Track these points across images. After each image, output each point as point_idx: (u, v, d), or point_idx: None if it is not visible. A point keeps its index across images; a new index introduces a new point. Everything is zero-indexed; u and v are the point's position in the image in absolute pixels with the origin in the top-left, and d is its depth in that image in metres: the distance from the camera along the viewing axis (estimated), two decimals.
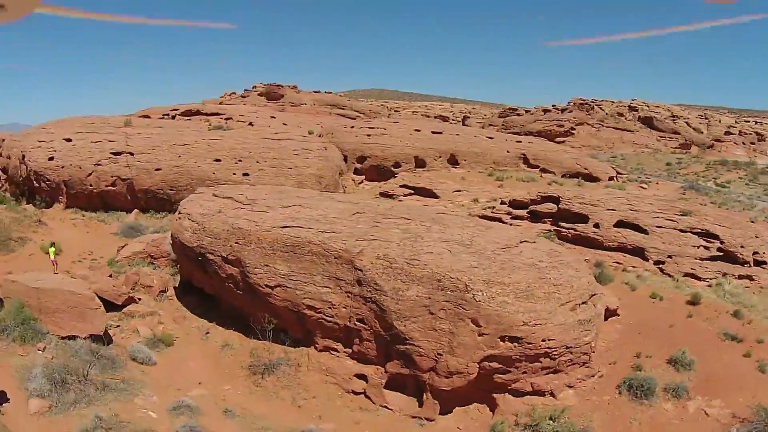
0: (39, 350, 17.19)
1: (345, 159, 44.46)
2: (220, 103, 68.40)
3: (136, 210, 34.14)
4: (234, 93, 79.25)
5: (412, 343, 17.05)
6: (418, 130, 48.20)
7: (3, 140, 42.63)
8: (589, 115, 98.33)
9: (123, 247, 27.91)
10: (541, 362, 16.86)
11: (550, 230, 29.12)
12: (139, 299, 23.92)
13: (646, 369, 17.99)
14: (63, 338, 18.08)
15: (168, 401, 16.95)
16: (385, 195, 40.09)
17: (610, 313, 20.57)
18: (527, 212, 31.05)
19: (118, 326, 21.63)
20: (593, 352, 18.03)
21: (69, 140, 36.66)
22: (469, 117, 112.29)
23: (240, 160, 36.45)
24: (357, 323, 18.46)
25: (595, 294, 18.71)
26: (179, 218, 24.12)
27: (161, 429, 15.34)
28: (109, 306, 22.22)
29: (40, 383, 15.07)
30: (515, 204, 32.05)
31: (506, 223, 30.15)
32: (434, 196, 39.61)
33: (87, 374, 16.17)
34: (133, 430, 14.69)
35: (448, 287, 16.80)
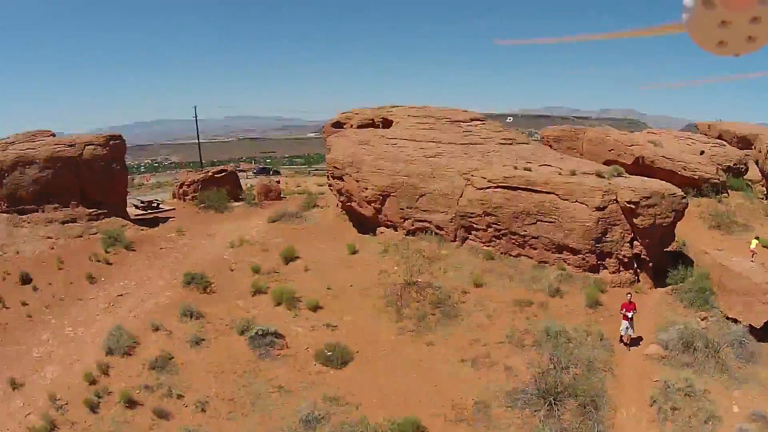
0: (699, 318, 21.02)
1: None
2: None
3: None
4: None
5: None
6: None
7: (758, 135, 43.52)
8: None
9: None
10: None
11: None
12: None
13: None
14: (727, 318, 21.12)
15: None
16: None
17: None
18: None
19: None
20: None
21: None
22: None
23: None
24: None
25: None
26: None
27: (725, 415, 16.90)
28: None
29: (670, 336, 19.21)
30: None
31: None
32: None
33: (718, 350, 19.10)
34: (697, 406, 17.05)
35: None
